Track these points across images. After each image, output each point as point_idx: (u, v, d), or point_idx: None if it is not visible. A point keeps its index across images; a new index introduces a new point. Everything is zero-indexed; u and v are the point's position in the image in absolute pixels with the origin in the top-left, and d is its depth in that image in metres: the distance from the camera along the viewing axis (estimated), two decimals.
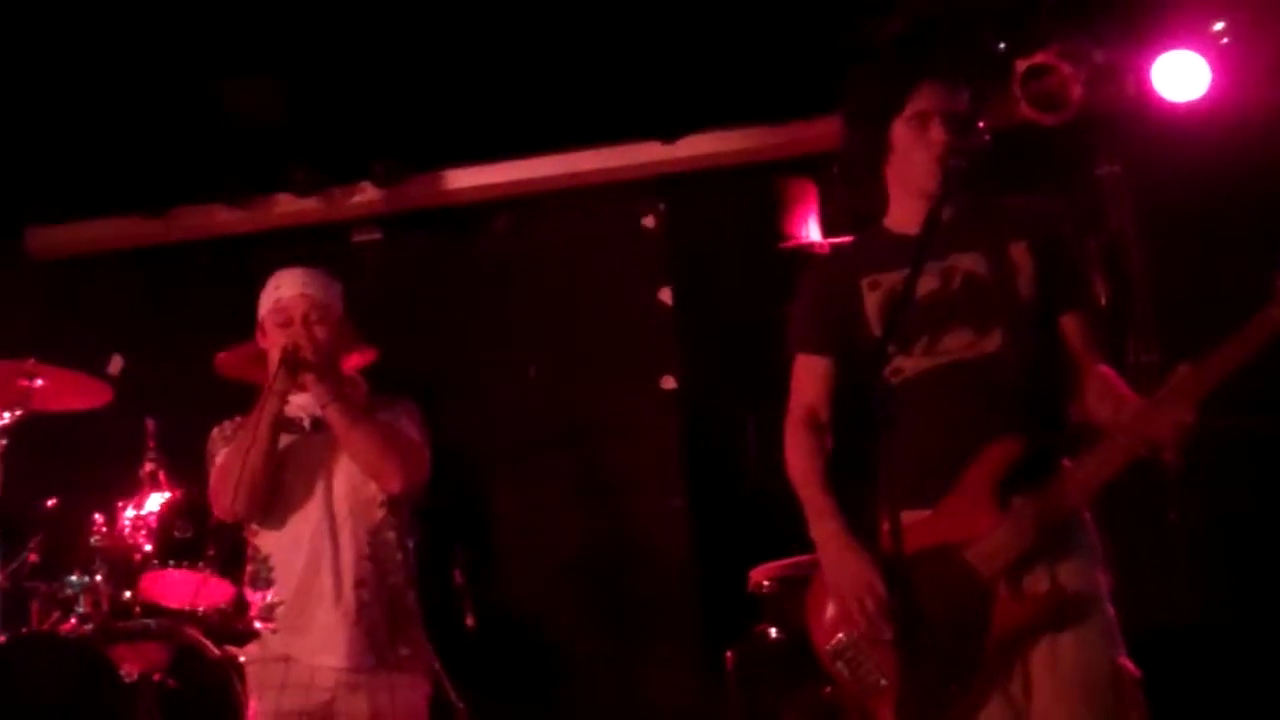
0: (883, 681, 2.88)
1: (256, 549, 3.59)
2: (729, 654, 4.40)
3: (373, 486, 3.55)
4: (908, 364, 2.96)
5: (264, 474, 3.47)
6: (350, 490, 3.56)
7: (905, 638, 2.75)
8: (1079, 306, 3.03)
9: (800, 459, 3.06)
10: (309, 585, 3.50)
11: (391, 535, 3.59)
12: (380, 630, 3.51)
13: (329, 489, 3.55)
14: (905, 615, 2.76)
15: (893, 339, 2.89)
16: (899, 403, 2.85)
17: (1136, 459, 2.83)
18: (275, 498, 3.53)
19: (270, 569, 3.56)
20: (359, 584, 3.50)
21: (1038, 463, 2.90)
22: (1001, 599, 2.83)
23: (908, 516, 2.79)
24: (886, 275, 2.99)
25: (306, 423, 3.61)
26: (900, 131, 3.03)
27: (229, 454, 3.55)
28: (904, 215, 3.06)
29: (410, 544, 3.69)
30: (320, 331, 3.56)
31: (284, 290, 3.61)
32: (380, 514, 3.57)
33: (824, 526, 2.98)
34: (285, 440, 3.55)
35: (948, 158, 2.94)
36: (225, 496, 3.51)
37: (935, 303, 2.96)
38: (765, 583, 4.36)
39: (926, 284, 2.94)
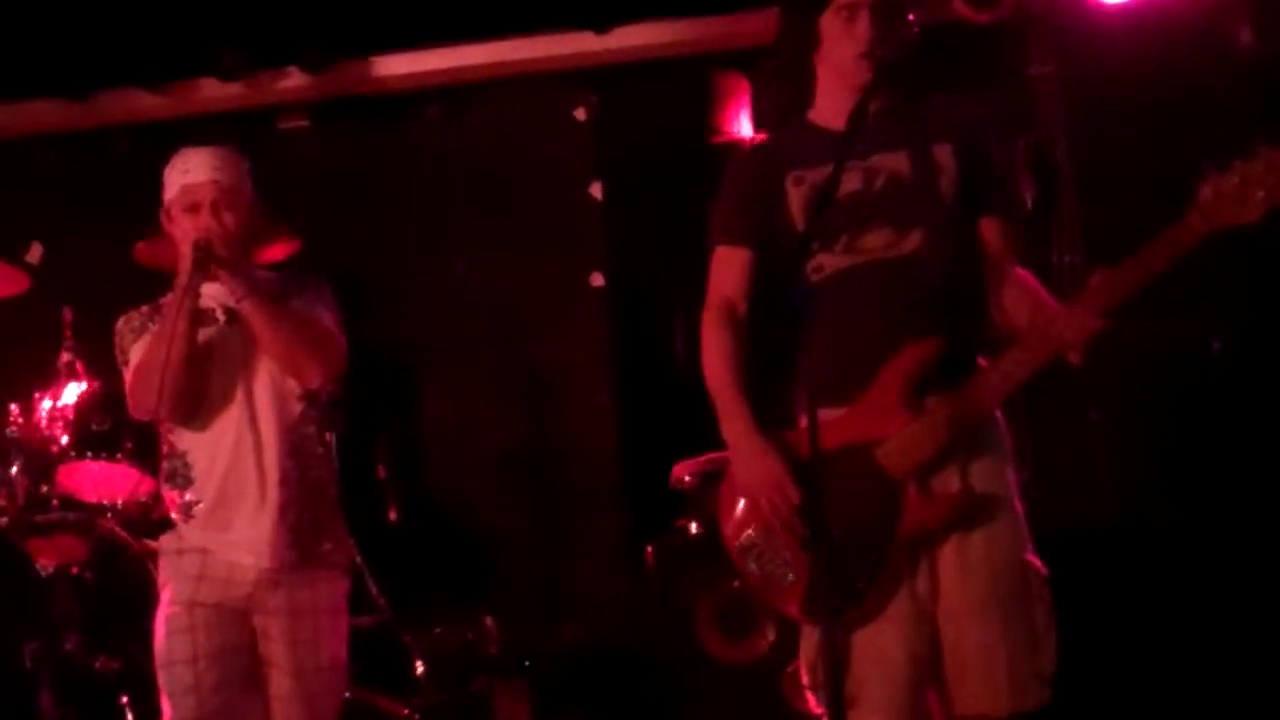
0: (790, 577, 2.90)
1: (173, 446, 3.49)
2: (648, 548, 4.44)
3: (291, 380, 3.50)
4: (828, 261, 2.94)
5: (187, 373, 3.36)
6: (270, 385, 3.48)
7: (813, 535, 2.75)
8: (999, 210, 3.03)
9: (715, 355, 3.03)
10: (231, 484, 3.42)
11: (311, 429, 3.53)
12: (303, 526, 3.46)
13: (249, 384, 3.47)
14: (814, 512, 2.75)
15: (815, 235, 2.87)
16: (819, 300, 2.83)
17: (1048, 362, 2.83)
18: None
19: (189, 466, 3.47)
20: (282, 481, 3.43)
21: (953, 363, 2.90)
22: (910, 498, 2.84)
23: (823, 414, 2.76)
24: (811, 171, 2.96)
25: (220, 314, 3.51)
26: (829, 23, 2.99)
27: (146, 353, 3.42)
28: (831, 109, 3.02)
29: (330, 437, 3.65)
30: (230, 218, 3.44)
31: (191, 174, 3.44)
32: (299, 408, 3.50)
33: (734, 424, 2.97)
34: (201, 335, 3.47)
35: (874, 52, 2.91)
36: (147, 398, 3.37)
37: (857, 201, 2.94)
38: (686, 478, 4.39)
39: (850, 182, 2.91)
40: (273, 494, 3.41)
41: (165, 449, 3.51)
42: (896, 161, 2.97)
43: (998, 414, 2.98)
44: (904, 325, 2.88)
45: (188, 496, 3.45)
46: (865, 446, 2.87)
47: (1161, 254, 2.71)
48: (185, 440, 3.47)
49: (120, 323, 3.54)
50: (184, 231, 3.43)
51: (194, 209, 3.43)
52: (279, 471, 3.43)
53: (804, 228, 2.92)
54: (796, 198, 2.98)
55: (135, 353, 3.47)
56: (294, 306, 3.51)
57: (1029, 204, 4.69)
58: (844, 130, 2.80)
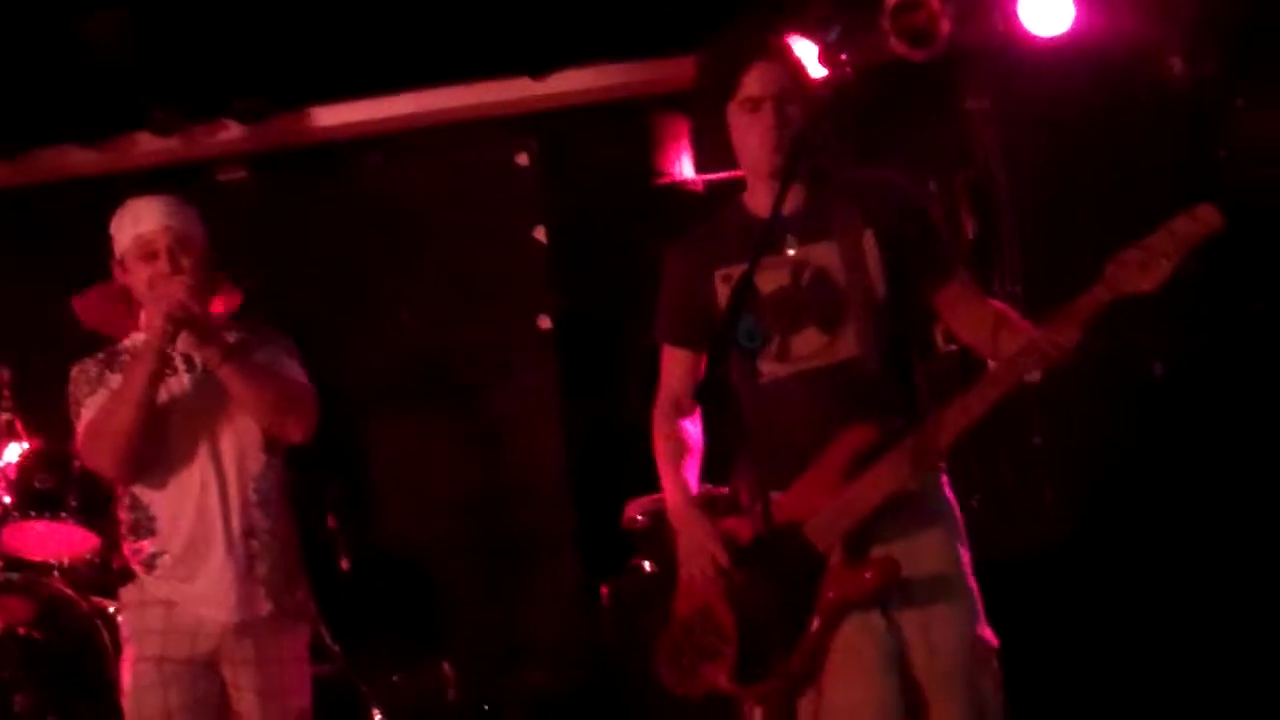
0: (720, 650, 2.92)
1: (135, 498, 3.44)
2: (603, 588, 4.43)
3: (254, 432, 3.45)
4: (764, 367, 2.96)
5: (144, 435, 3.33)
6: (235, 437, 3.44)
7: (741, 608, 2.86)
8: (951, 273, 3.04)
9: (658, 448, 3.14)
10: (198, 536, 3.39)
11: (275, 480, 3.51)
12: (277, 579, 3.44)
13: (214, 436, 3.42)
14: (744, 588, 2.87)
15: (737, 338, 2.74)
16: (759, 402, 2.91)
17: (1004, 397, 2.84)
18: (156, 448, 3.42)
19: (152, 518, 3.41)
20: (249, 533, 3.41)
21: (888, 447, 2.90)
22: (832, 570, 2.86)
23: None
24: (738, 267, 2.87)
25: (180, 363, 3.47)
26: (734, 115, 3.00)
27: (101, 412, 3.37)
28: (758, 195, 3.03)
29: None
30: (188, 264, 3.42)
31: (144, 223, 3.43)
32: (263, 459, 3.47)
33: (673, 498, 3.06)
34: (161, 386, 3.42)
35: (780, 145, 2.93)
36: (102, 458, 3.38)
37: (784, 300, 2.95)
38: (639, 517, 4.39)
39: (776, 278, 2.94)
40: (240, 546, 3.39)
41: (126, 500, 3.46)
42: (825, 254, 2.96)
43: (948, 491, 3.01)
44: (845, 423, 2.91)
45: (151, 548, 3.41)
46: (794, 525, 2.90)
47: (1073, 319, 2.78)
48: (148, 492, 3.43)
49: (75, 371, 3.49)
50: (140, 279, 3.41)
51: (151, 257, 3.41)
52: (244, 523, 3.41)
53: (722, 329, 2.77)
54: (725, 296, 2.94)
55: (90, 406, 3.43)
56: (259, 359, 3.48)
57: (970, 236, 4.77)
58: (764, 226, 2.81)
